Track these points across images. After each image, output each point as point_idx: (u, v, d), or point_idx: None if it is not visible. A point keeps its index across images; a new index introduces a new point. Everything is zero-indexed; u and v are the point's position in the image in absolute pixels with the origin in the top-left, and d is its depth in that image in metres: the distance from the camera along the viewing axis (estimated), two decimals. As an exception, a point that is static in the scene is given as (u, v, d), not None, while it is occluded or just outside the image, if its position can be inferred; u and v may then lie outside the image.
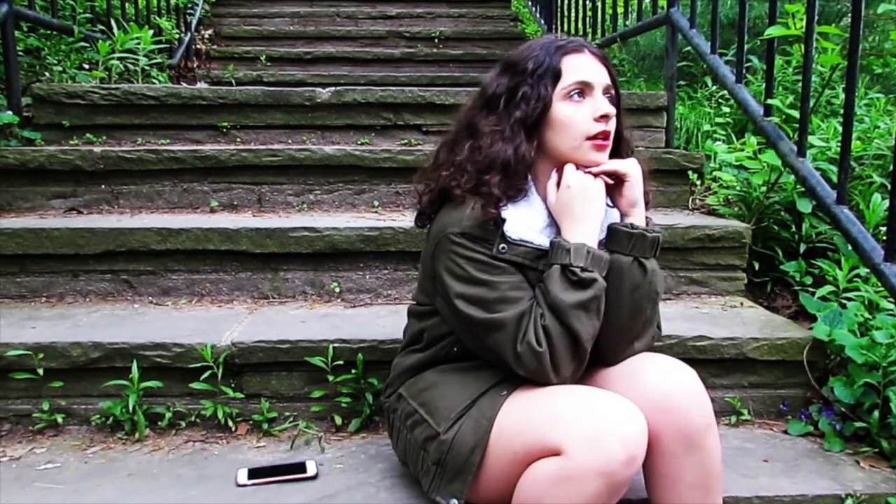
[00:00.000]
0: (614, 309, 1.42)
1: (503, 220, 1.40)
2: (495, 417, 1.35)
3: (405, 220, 2.40)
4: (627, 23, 3.79)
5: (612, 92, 1.46)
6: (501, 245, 1.40)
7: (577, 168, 1.43)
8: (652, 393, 1.35)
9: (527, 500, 1.28)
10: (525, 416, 1.33)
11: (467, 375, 1.47)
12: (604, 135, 1.42)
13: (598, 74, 1.43)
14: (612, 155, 1.48)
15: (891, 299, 1.85)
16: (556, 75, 1.41)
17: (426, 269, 1.51)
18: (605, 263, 1.39)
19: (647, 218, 1.47)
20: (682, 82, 3.80)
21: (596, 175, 1.43)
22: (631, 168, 1.44)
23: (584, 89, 1.42)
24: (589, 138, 1.41)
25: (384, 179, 2.66)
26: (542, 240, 1.43)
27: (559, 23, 4.82)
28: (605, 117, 1.41)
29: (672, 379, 1.38)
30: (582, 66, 1.42)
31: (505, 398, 1.38)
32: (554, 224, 1.45)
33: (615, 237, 1.43)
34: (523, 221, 1.42)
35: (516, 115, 1.41)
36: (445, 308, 1.45)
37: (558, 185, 1.43)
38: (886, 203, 2.04)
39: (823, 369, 1.96)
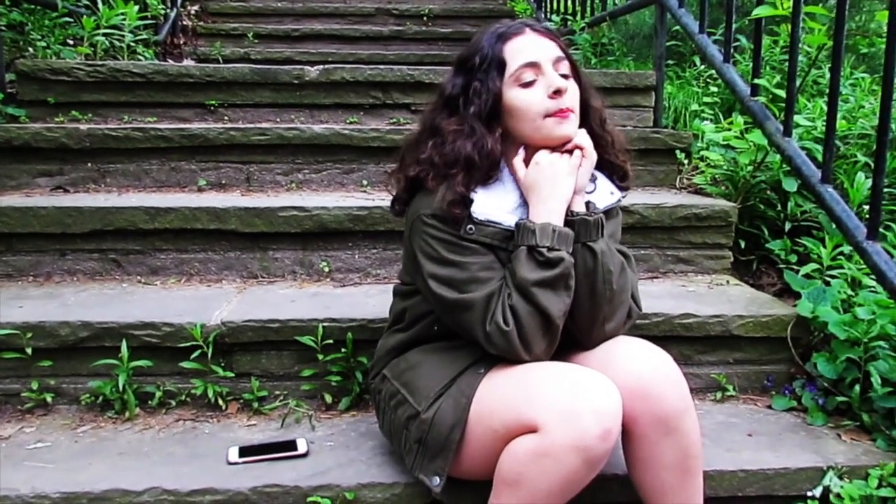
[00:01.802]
0: (574, 295, 1.43)
1: (471, 202, 1.42)
2: (473, 395, 1.38)
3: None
4: (617, 1, 3.77)
5: (565, 59, 1.46)
6: (469, 226, 1.42)
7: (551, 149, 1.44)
8: (628, 378, 1.36)
9: (507, 476, 1.30)
10: (503, 392, 1.35)
11: (448, 354, 1.49)
12: (559, 111, 1.42)
13: (543, 51, 1.44)
14: (582, 124, 1.48)
15: (873, 276, 1.88)
16: (501, 64, 1.43)
17: (406, 250, 1.54)
18: (570, 240, 1.40)
19: (587, 203, 1.48)
20: (670, 62, 3.80)
21: (562, 152, 1.44)
22: (583, 140, 1.46)
23: (533, 70, 1.42)
24: (548, 116, 1.42)
25: (373, 159, 2.66)
26: (512, 220, 1.44)
27: (548, 1, 4.80)
28: (557, 92, 1.41)
29: (648, 364, 1.39)
30: (525, 48, 1.43)
31: (483, 376, 1.40)
32: (527, 205, 1.46)
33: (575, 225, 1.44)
34: (492, 203, 1.44)
35: (471, 111, 1.44)
36: (422, 287, 1.47)
37: (526, 162, 1.45)
38: (870, 182, 2.07)
39: (807, 345, 1.99)
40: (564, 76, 1.44)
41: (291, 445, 1.63)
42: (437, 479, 1.39)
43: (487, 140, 1.42)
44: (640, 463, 1.41)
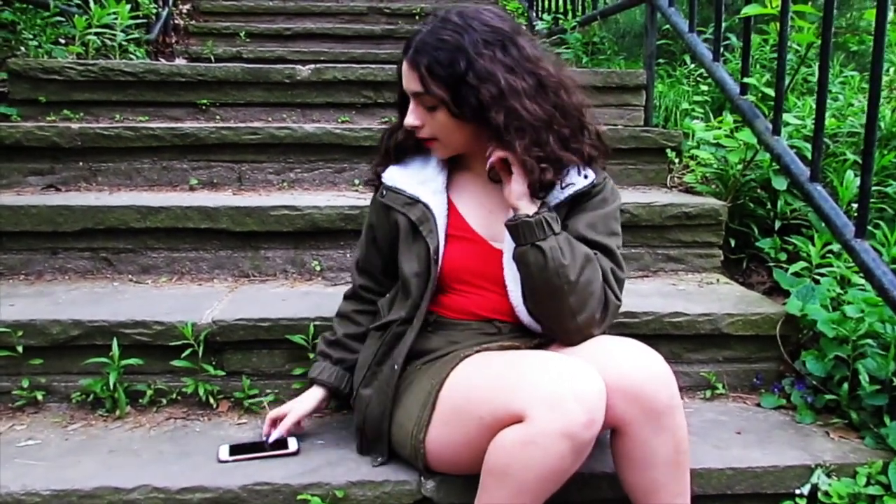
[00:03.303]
0: (533, 294, 1.49)
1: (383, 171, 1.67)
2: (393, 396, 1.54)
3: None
4: (607, 1, 3.78)
5: (427, 96, 1.48)
6: (382, 191, 1.65)
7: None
8: (620, 378, 1.36)
9: (494, 467, 1.31)
10: (485, 383, 1.38)
11: (378, 336, 1.63)
12: (416, 138, 1.58)
13: (408, 82, 1.51)
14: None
15: (861, 274, 1.89)
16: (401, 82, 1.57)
17: None
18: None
19: (535, 200, 1.49)
20: (661, 60, 3.81)
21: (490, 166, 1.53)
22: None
23: (410, 98, 1.54)
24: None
25: (365, 158, 2.66)
26: (415, 190, 1.60)
27: (539, 0, 4.81)
28: (406, 130, 1.58)
29: (639, 363, 1.40)
30: (404, 78, 1.53)
31: (398, 372, 1.54)
32: (437, 183, 1.62)
33: (510, 234, 1.49)
34: (403, 175, 1.64)
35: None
36: None
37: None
38: (859, 180, 2.08)
39: (796, 344, 2.00)
40: (431, 108, 1.51)
41: (282, 444, 1.63)
42: (380, 459, 1.57)
43: (400, 135, 1.65)
44: (631, 462, 1.42)
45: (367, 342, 1.67)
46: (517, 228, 1.45)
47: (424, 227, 1.57)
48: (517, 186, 1.47)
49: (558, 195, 1.53)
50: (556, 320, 1.48)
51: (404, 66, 1.51)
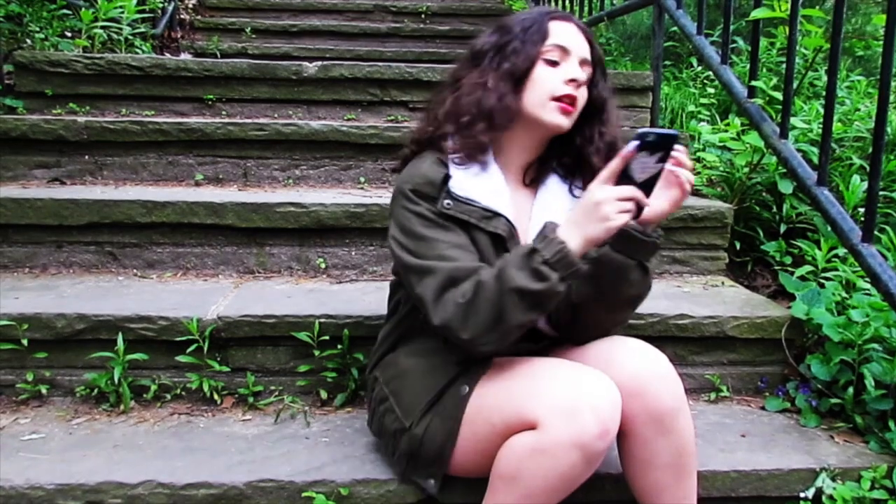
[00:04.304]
0: (610, 303, 1.45)
1: (450, 177, 1.43)
2: (462, 416, 1.38)
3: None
4: (615, 1, 3.78)
5: (590, 66, 1.48)
6: (447, 201, 1.42)
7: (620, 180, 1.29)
8: (624, 377, 1.36)
9: (504, 472, 1.30)
10: (503, 388, 1.35)
11: (431, 361, 1.47)
12: (569, 98, 1.44)
13: (577, 44, 1.46)
14: (598, 129, 1.51)
15: (867, 279, 1.89)
16: (544, 35, 1.45)
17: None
18: (574, 273, 1.28)
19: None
20: (667, 62, 3.82)
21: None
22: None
23: (561, 54, 1.45)
24: (554, 98, 1.43)
25: (370, 156, 2.66)
26: (491, 200, 1.45)
27: (546, 0, 4.80)
28: (573, 81, 1.44)
29: (644, 364, 1.40)
30: (564, 33, 1.46)
31: (469, 394, 1.38)
32: (508, 193, 1.48)
33: (629, 240, 1.37)
34: (471, 182, 1.45)
35: (505, 68, 1.45)
36: (393, 256, 1.46)
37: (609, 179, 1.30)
38: (865, 185, 2.08)
39: (801, 347, 2.00)
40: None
41: None
42: (432, 482, 1.42)
43: (511, 99, 1.44)
44: (635, 462, 1.42)
45: (419, 368, 1.50)
46: (646, 246, 1.38)
47: (511, 242, 1.46)
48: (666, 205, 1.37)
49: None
50: (604, 329, 1.50)
51: (574, 28, 1.48)
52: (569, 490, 1.30)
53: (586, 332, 1.51)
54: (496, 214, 1.45)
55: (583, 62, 1.47)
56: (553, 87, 1.43)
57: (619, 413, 1.29)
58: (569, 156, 1.55)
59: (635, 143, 1.25)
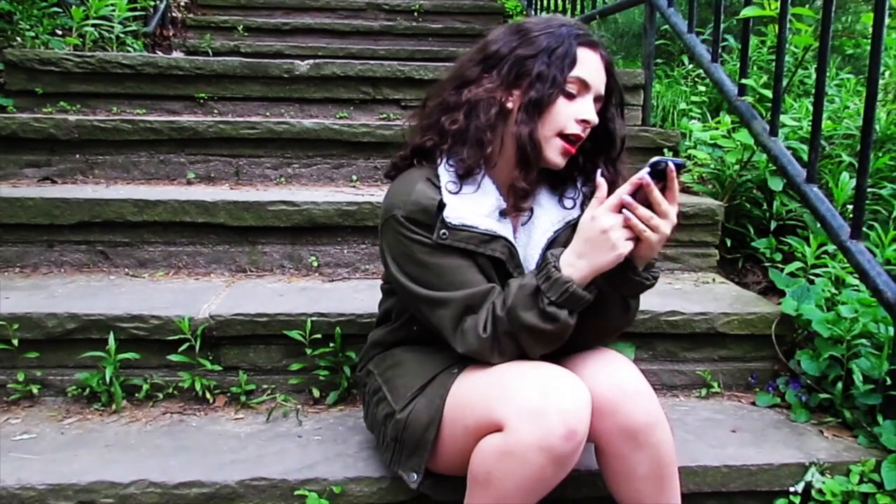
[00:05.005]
0: (591, 327, 1.41)
1: (444, 206, 1.37)
2: (447, 394, 1.36)
3: (383, 194, 2.40)
4: (606, 0, 3.79)
5: (601, 101, 1.42)
6: (442, 231, 1.36)
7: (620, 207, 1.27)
8: (596, 396, 1.32)
9: (477, 474, 1.30)
10: (476, 389, 1.34)
11: (428, 355, 1.48)
12: (576, 138, 1.38)
13: (598, 79, 1.39)
14: (604, 161, 1.46)
15: (856, 275, 1.90)
16: (572, 63, 1.36)
17: (381, 248, 1.49)
18: (582, 304, 1.30)
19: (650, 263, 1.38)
20: (659, 60, 3.82)
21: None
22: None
23: (580, 87, 1.37)
24: (561, 135, 1.38)
25: (363, 154, 2.66)
26: (488, 224, 1.40)
27: (538, -2, 4.80)
28: (585, 122, 1.38)
29: (612, 380, 1.37)
30: (590, 64, 1.38)
31: (456, 375, 1.39)
32: (503, 209, 1.43)
33: (626, 281, 1.36)
34: (466, 207, 1.38)
35: (531, 96, 1.36)
36: (396, 286, 1.44)
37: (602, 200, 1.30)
38: (854, 182, 2.09)
39: (791, 343, 2.01)
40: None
41: None
42: (414, 476, 1.39)
43: (538, 131, 1.37)
44: (614, 476, 1.41)
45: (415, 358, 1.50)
46: (643, 286, 1.37)
47: (511, 262, 1.43)
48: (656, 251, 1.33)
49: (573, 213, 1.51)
50: (592, 344, 1.48)
51: (598, 58, 1.39)
52: (543, 491, 1.28)
53: (563, 348, 1.45)
54: (495, 237, 1.40)
55: (597, 98, 1.40)
56: (564, 122, 1.37)
57: (587, 415, 1.26)
58: (559, 176, 1.51)
59: (647, 171, 1.23)
